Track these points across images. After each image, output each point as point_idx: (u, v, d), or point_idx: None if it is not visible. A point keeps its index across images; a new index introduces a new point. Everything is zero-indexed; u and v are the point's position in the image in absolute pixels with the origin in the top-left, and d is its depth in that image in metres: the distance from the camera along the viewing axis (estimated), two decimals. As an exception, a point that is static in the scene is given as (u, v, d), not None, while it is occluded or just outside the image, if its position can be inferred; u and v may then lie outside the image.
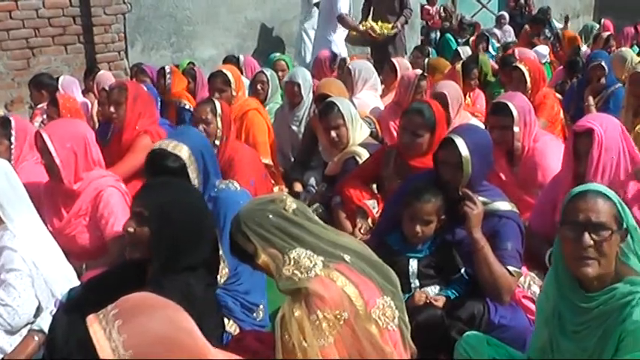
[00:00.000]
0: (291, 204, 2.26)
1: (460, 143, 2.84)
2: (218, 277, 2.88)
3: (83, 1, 7.54)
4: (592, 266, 1.92)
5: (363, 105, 5.44)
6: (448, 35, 9.92)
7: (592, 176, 2.92)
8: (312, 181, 4.68)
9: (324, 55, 6.99)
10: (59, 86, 6.10)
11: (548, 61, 7.67)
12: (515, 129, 3.58)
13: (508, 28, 10.16)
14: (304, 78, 4.95)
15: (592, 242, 1.91)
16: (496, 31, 10.02)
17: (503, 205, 2.96)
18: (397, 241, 2.94)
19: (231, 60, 7.46)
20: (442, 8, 10.83)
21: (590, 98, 5.56)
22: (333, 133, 4.02)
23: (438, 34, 10.13)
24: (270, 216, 2.21)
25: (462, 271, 2.92)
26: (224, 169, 3.74)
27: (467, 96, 5.90)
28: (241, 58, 7.38)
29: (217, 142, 3.80)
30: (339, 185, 3.79)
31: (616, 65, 6.43)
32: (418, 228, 2.84)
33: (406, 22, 9.00)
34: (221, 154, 3.79)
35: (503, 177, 3.68)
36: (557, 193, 3.08)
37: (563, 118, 5.42)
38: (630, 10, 10.70)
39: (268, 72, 5.53)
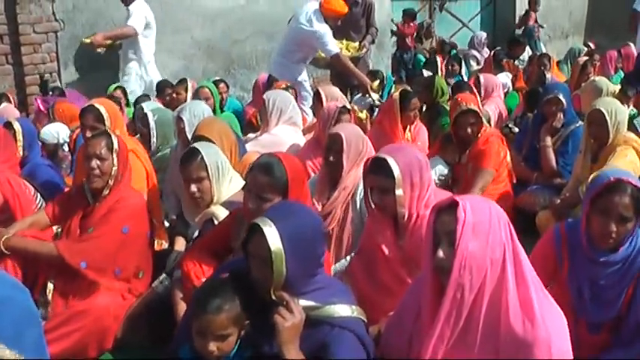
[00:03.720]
0: None
1: (270, 233, 2.07)
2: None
3: (10, 17, 6.96)
4: None
5: (277, 143, 4.71)
6: (420, 56, 9.08)
7: None
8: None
9: (261, 79, 6.25)
10: None
11: (510, 90, 6.81)
12: (398, 192, 2.78)
13: (487, 50, 9.28)
14: (192, 113, 4.12)
15: None
16: (475, 53, 9.17)
17: (343, 310, 2.20)
18: (188, 353, 2.19)
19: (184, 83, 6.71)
20: (423, 28, 9.96)
21: (548, 138, 4.76)
22: (194, 187, 3.29)
23: (411, 55, 9.28)
24: None
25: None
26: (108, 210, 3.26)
27: (406, 130, 5.10)
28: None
29: (111, 182, 3.27)
30: (182, 257, 3.04)
31: (588, 98, 5.59)
32: (212, 346, 2.09)
33: (373, 42, 8.31)
34: (111, 195, 3.29)
35: (386, 251, 2.89)
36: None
37: (511, 161, 4.61)
38: (624, 27, 9.69)
39: (150, 107, 4.64)
